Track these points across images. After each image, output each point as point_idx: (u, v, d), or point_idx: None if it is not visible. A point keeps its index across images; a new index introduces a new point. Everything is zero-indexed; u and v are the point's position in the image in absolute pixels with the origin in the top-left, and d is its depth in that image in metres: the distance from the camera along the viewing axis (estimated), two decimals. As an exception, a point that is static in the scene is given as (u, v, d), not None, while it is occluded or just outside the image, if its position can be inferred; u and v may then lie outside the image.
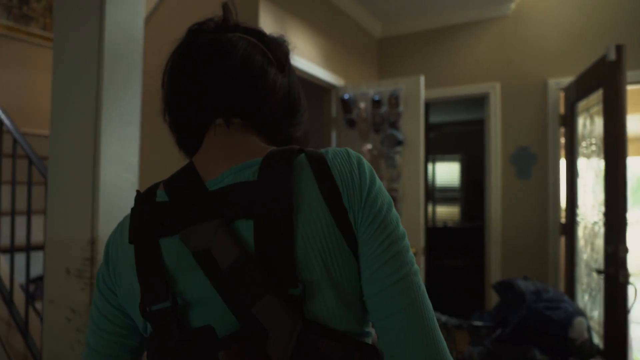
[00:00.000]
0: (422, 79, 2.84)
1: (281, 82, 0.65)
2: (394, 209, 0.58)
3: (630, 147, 2.63)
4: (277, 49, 0.67)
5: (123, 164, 1.49)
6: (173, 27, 2.90)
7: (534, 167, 3.14)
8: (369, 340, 0.57)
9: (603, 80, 2.28)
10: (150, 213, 0.58)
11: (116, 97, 1.48)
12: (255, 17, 2.51)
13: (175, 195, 0.58)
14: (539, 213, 3.10)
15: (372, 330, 0.58)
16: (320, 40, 3.10)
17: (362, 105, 2.96)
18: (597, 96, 2.45)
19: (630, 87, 2.63)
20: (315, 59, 3.03)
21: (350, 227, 0.53)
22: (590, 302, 2.56)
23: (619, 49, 2.12)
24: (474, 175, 6.31)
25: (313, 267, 0.51)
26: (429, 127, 5.28)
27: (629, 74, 2.33)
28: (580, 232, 2.74)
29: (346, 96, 3.02)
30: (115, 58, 1.48)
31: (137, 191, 0.62)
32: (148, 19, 2.99)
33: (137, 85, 1.56)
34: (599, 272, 2.30)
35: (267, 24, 2.57)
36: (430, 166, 6.92)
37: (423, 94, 2.84)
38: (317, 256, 0.52)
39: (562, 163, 3.02)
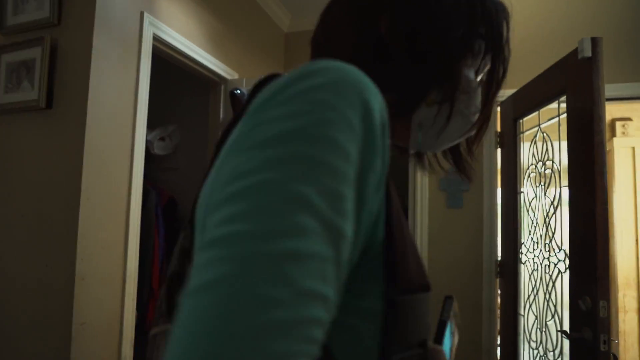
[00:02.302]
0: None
1: None
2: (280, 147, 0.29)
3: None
4: None
5: None
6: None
7: (466, 194, 2.61)
8: None
9: (569, 85, 1.79)
10: None
11: None
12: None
13: None
14: (472, 249, 2.56)
15: None
16: (208, 19, 2.29)
17: (261, 104, 2.19)
18: (548, 110, 1.98)
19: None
20: (197, 38, 2.20)
21: None
22: (543, 367, 2.01)
23: (595, 42, 1.63)
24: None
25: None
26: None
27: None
28: (527, 275, 2.22)
29: (238, 91, 2.23)
30: None
31: None
32: None
33: None
34: (565, 334, 1.75)
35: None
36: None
37: (341, 95, 2.16)
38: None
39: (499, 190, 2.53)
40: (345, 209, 0.29)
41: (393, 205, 0.37)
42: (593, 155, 1.61)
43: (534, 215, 2.15)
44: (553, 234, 1.96)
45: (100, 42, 1.66)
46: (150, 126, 2.58)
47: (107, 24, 1.69)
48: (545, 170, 2.06)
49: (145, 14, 1.86)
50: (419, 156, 0.65)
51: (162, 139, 2.66)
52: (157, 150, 2.64)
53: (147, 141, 2.55)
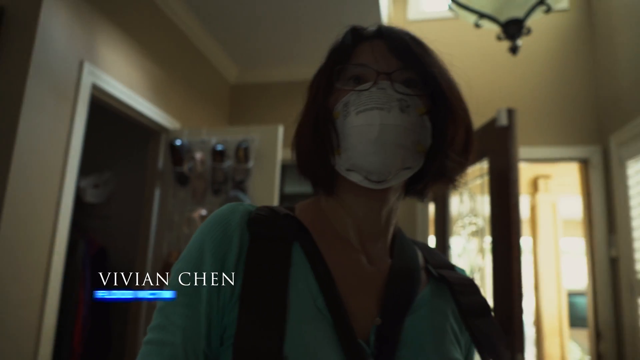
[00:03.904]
0: (281, 130, 2.23)
1: None
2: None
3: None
4: None
5: None
6: None
7: (402, 247, 2.70)
8: None
9: (489, 150, 1.95)
10: None
11: None
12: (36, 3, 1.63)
13: None
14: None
15: None
16: (152, 68, 2.31)
17: (199, 155, 2.19)
18: (477, 169, 2.14)
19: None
20: (139, 87, 2.21)
21: None
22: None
23: (511, 113, 1.82)
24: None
25: None
26: (283, 197, 4.71)
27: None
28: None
29: (178, 142, 2.23)
30: None
31: None
32: None
33: None
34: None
35: (54, 16, 1.70)
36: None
37: (281, 149, 2.22)
38: None
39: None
40: None
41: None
42: (510, 216, 1.74)
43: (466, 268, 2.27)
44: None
45: (34, 89, 1.63)
46: (85, 172, 2.50)
47: (43, 72, 1.66)
48: (470, 226, 2.20)
49: (85, 63, 1.86)
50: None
51: (96, 186, 2.57)
52: (90, 197, 2.54)
53: (79, 188, 2.46)
